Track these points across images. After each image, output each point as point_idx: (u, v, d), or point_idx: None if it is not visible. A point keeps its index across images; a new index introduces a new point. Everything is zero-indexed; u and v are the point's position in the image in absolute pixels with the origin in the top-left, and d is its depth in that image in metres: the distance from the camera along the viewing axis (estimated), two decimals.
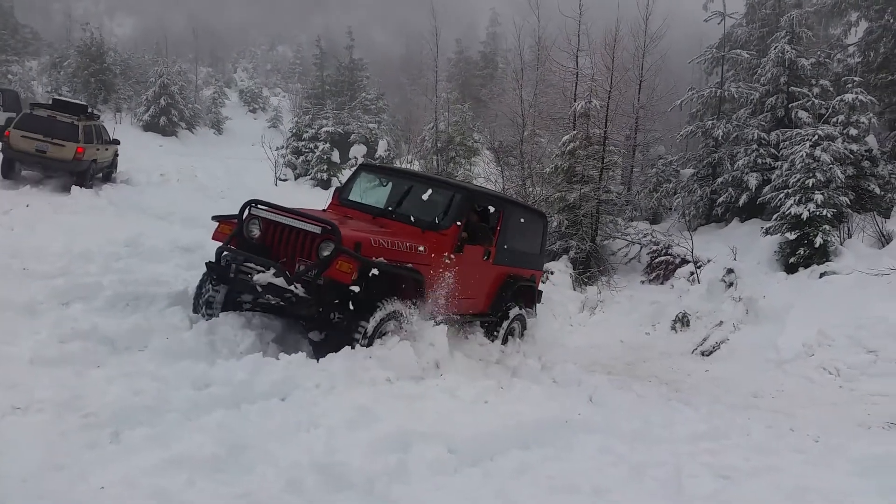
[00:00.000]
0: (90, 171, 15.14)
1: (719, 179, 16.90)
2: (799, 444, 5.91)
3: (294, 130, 25.88)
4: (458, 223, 6.95)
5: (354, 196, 7.59)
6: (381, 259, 6.02)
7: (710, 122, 17.63)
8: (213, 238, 6.44)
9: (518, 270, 8.36)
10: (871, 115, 14.92)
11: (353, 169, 8.12)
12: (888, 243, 12.69)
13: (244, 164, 26.29)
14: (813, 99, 15.72)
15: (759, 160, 15.88)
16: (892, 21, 17.34)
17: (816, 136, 13.24)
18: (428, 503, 4.04)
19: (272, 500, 3.78)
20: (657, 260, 16.10)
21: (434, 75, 26.68)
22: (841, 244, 13.10)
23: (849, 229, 13.68)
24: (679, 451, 5.38)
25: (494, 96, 26.23)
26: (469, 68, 58.08)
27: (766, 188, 14.64)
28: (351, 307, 5.88)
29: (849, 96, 14.51)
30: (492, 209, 7.75)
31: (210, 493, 3.72)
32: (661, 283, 15.26)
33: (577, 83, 18.38)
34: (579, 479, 4.55)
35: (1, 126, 14.84)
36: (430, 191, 7.30)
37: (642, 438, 5.63)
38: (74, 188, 13.52)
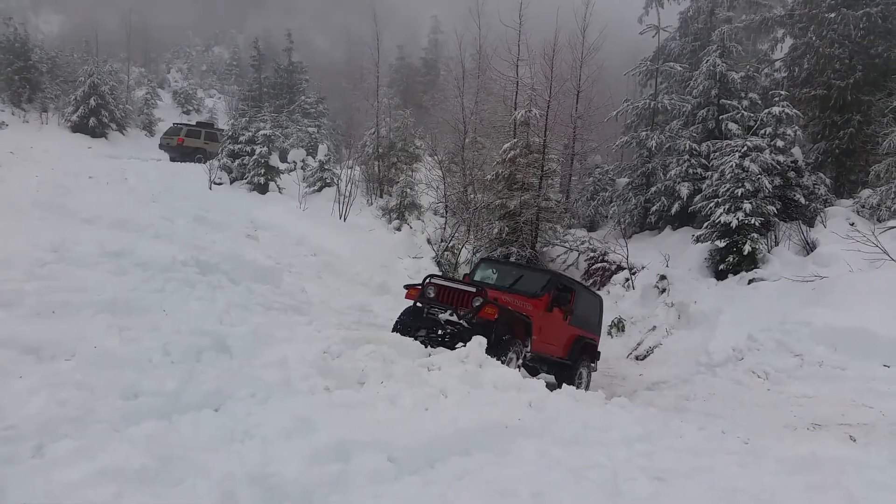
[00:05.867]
0: (194, 153, 28.83)
1: (653, 188, 17.35)
2: (730, 446, 6.08)
3: (229, 133, 25.24)
4: (549, 293, 10.04)
5: (478, 278, 10.81)
6: (509, 308, 9.06)
7: (644, 133, 18.09)
8: (405, 297, 9.76)
9: (584, 332, 11.02)
10: (796, 127, 15.59)
11: (476, 262, 12.36)
12: (812, 251, 13.22)
13: (177, 167, 25.63)
14: (742, 111, 16.31)
15: (691, 170, 16.37)
16: (814, 39, 18.19)
17: (745, 148, 13.73)
18: None
19: None
20: (594, 266, 16.42)
21: (375, 80, 26.57)
22: (768, 252, 13.60)
23: (776, 237, 14.22)
24: (616, 454, 5.46)
25: (436, 103, 26.29)
26: (411, 74, 58.13)
27: (697, 197, 15.10)
28: (499, 339, 8.68)
29: (776, 109, 15.11)
30: (568, 288, 10.64)
31: None
32: (598, 289, 15.58)
33: (517, 92, 18.62)
34: (518, 484, 4.57)
35: None
36: (528, 273, 10.96)
37: (580, 442, 5.69)
38: None
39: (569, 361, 10.64)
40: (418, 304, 9.40)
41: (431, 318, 9.19)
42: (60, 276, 7.38)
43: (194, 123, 33.60)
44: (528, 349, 9.38)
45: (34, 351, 5.48)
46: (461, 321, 8.88)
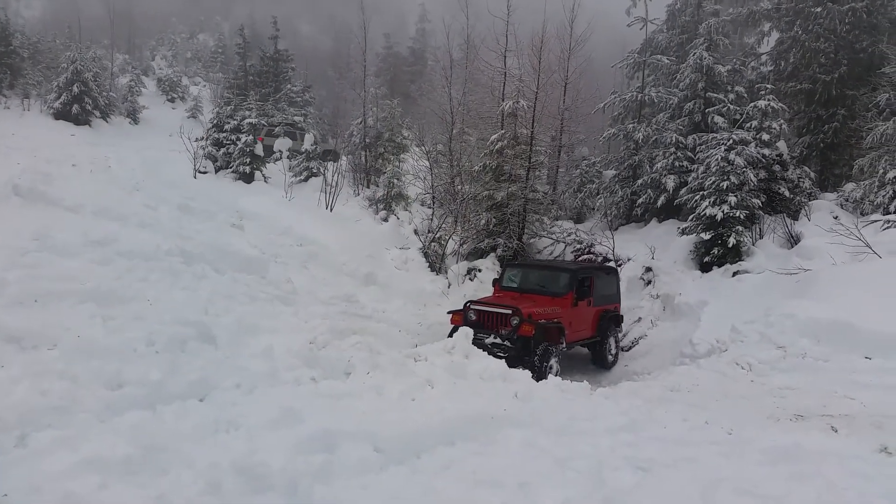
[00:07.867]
0: (271, 150, 27.70)
1: (639, 181, 17.40)
2: (713, 437, 6.12)
3: (215, 121, 24.99)
4: (572, 289, 11.13)
5: (506, 283, 11.92)
6: (543, 321, 10.07)
7: (631, 126, 18.11)
8: (450, 322, 10.67)
9: (607, 307, 12.21)
10: (781, 121, 15.65)
11: (503, 267, 13.52)
12: (797, 244, 13.31)
13: (161, 155, 25.35)
14: (728, 104, 16.36)
15: (677, 163, 16.42)
16: (800, 33, 18.28)
17: (731, 141, 13.78)
18: (352, 503, 3.98)
19: (189, 502, 3.64)
20: (581, 258, 16.46)
21: (362, 70, 26.42)
22: (753, 244, 13.68)
23: (760, 230, 14.31)
24: (600, 444, 5.49)
25: (424, 93, 26.17)
26: (398, 64, 57.83)
27: (683, 190, 15.15)
28: (537, 352, 9.68)
29: (762, 103, 15.17)
30: (588, 278, 11.60)
31: (124, 496, 3.57)
32: None
33: (505, 83, 18.55)
34: (503, 474, 4.59)
35: None
36: (550, 273, 11.81)
37: (565, 432, 5.72)
38: None
39: (598, 337, 11.87)
40: (465, 328, 10.08)
41: (479, 341, 9.71)
42: (43, 265, 7.31)
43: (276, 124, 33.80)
44: (564, 346, 10.40)
45: (16, 340, 5.43)
46: (504, 342, 9.84)
